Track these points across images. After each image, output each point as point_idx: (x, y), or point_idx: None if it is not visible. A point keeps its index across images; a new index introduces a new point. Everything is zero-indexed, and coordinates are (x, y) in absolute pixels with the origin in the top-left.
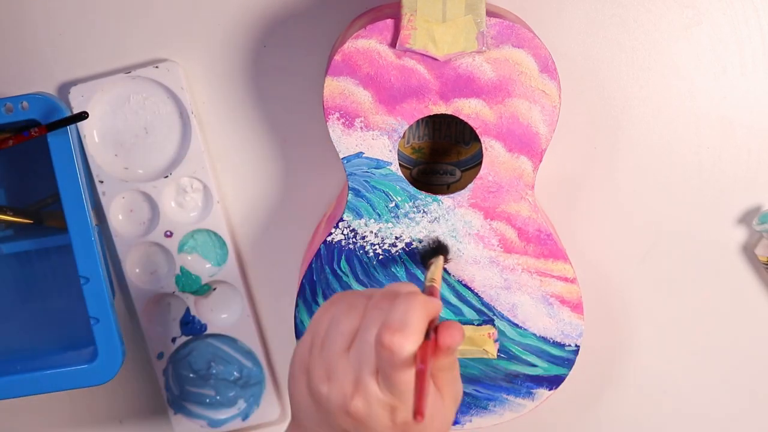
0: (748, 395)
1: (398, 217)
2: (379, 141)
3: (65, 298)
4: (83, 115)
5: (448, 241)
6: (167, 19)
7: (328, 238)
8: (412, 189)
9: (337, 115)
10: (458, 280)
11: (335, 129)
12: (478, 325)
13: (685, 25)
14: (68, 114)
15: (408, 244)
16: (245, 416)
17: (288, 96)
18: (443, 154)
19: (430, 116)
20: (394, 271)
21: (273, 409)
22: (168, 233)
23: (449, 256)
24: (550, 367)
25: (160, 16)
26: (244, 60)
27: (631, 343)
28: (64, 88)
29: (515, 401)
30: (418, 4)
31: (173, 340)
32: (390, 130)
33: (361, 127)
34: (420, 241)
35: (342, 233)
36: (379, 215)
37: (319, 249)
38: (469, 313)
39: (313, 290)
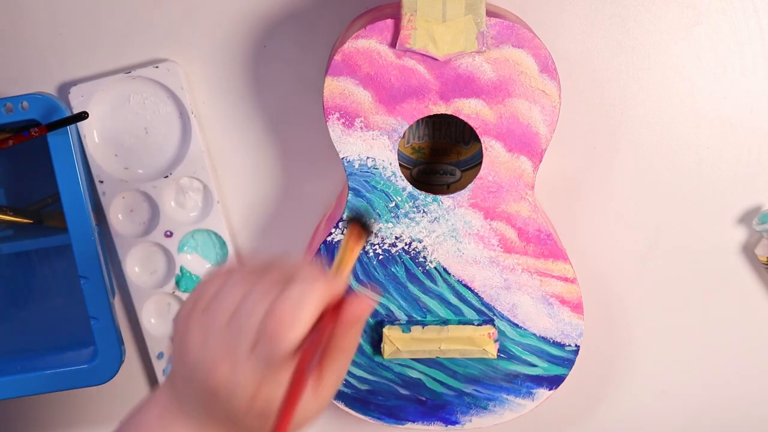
0: (748, 395)
1: (398, 217)
2: (379, 141)
3: (65, 298)
4: (83, 115)
5: (373, 221)
6: (167, 19)
7: (328, 238)
8: (412, 189)
9: (337, 115)
10: (458, 280)
11: (335, 129)
12: (478, 325)
13: (685, 25)
14: (68, 114)
15: (408, 244)
16: None
17: (288, 96)
18: (443, 154)
19: (430, 116)
20: (394, 271)
21: None
22: (168, 233)
23: (368, 236)
24: (550, 367)
25: (160, 16)
26: (244, 60)
27: (631, 343)
28: (64, 88)
29: (515, 401)
30: (418, 4)
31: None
32: (390, 130)
33: (361, 127)
34: (359, 211)
35: (342, 233)
36: (379, 215)
37: (319, 249)
38: (469, 313)
39: None
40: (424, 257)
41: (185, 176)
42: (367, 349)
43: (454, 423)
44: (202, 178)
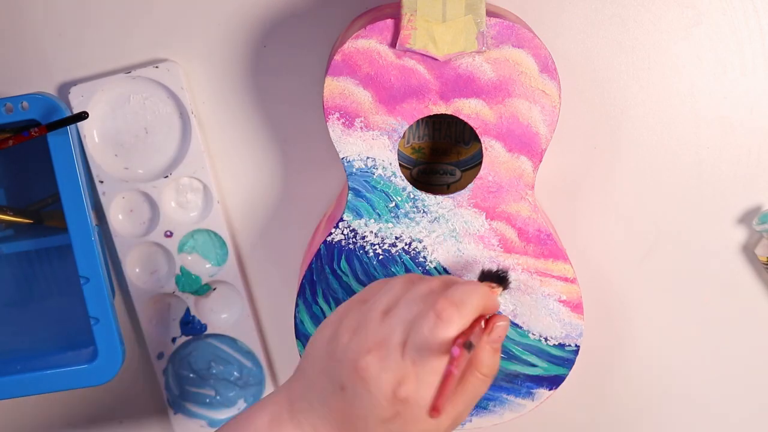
0: (748, 395)
1: (398, 217)
2: (379, 141)
3: (65, 298)
4: (83, 115)
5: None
6: (167, 19)
7: (328, 238)
8: (412, 189)
9: (337, 115)
10: None
11: (335, 129)
12: None
13: (685, 25)
14: (68, 114)
15: (408, 244)
16: None
17: (288, 96)
18: (443, 154)
19: (430, 116)
20: (394, 271)
21: None
22: (168, 233)
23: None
24: (550, 367)
25: (160, 16)
26: (244, 60)
27: (632, 343)
28: (64, 88)
29: (515, 401)
30: (418, 4)
31: (173, 340)
32: (390, 130)
33: (361, 127)
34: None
35: (342, 233)
36: (379, 215)
37: (319, 249)
38: None
39: (313, 290)
40: (424, 257)
41: (185, 176)
42: None
43: None
44: (202, 178)
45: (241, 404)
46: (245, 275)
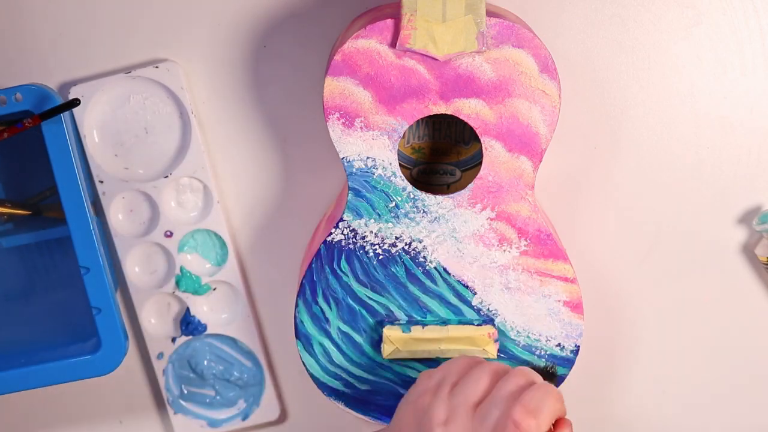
0: (748, 395)
1: (398, 217)
2: (379, 141)
3: (67, 290)
4: (75, 102)
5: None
6: (167, 19)
7: (328, 238)
8: (412, 189)
9: (337, 115)
10: (458, 280)
11: (335, 129)
12: (478, 325)
13: (685, 25)
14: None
15: (408, 244)
16: (245, 416)
17: (288, 96)
18: (443, 154)
19: (430, 116)
20: (394, 271)
21: (273, 409)
22: (168, 233)
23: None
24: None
25: (160, 16)
26: (244, 60)
27: (631, 343)
28: (64, 88)
29: None
30: (418, 4)
31: (173, 340)
32: (390, 130)
33: (361, 127)
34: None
35: (342, 233)
36: (379, 215)
37: (319, 249)
38: (469, 313)
39: (313, 290)
40: (424, 257)
41: (185, 176)
42: (367, 349)
43: None
44: (202, 178)
45: (241, 404)
46: (245, 275)
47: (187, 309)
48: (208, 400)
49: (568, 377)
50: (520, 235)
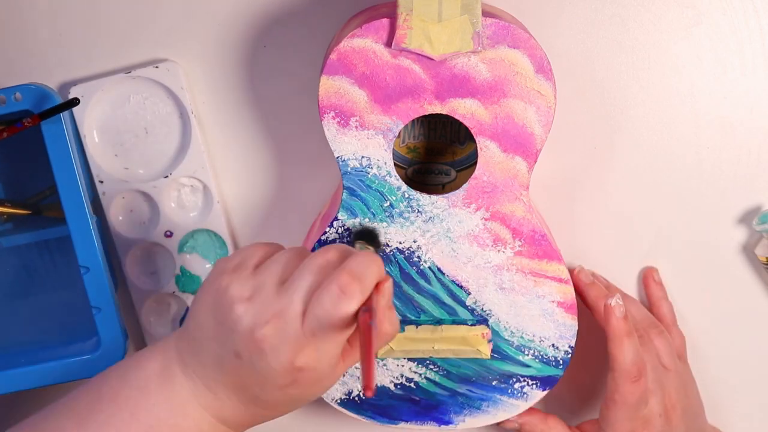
0: (747, 395)
1: (393, 216)
2: (375, 140)
3: (67, 290)
4: (75, 102)
5: (381, 239)
6: (167, 19)
7: (323, 237)
8: (406, 188)
9: (332, 114)
10: (452, 280)
11: (330, 128)
12: (471, 325)
13: (685, 25)
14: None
15: (402, 244)
16: None
17: (288, 96)
18: (438, 154)
19: (425, 116)
20: (388, 270)
21: None
22: (168, 233)
23: (378, 250)
24: (543, 367)
25: (160, 16)
26: (243, 60)
27: None
28: (64, 88)
29: (508, 402)
30: (414, 4)
31: None
32: (385, 130)
33: (357, 127)
34: (365, 229)
35: (336, 232)
36: (373, 215)
37: (314, 248)
38: (463, 313)
39: None
40: (419, 257)
41: (185, 176)
42: None
43: (447, 423)
44: (202, 178)
45: None
46: None
47: (187, 309)
48: None
49: (561, 378)
50: (515, 235)
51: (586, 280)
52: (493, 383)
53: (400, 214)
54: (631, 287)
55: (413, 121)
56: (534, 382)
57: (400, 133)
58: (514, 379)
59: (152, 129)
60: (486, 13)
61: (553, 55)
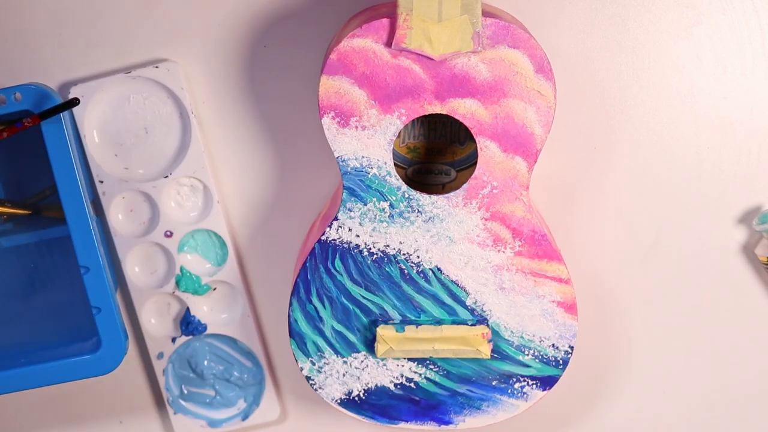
0: (747, 396)
1: (393, 216)
2: (374, 140)
3: (68, 290)
4: (74, 102)
5: None
6: (167, 19)
7: (323, 237)
8: (406, 188)
9: (332, 114)
10: (452, 280)
11: (330, 128)
12: (471, 325)
13: (685, 25)
14: (60, 102)
15: (402, 244)
16: (245, 416)
17: (288, 96)
18: (438, 154)
19: (425, 116)
20: (388, 270)
21: (273, 409)
22: (168, 233)
23: None
24: (543, 367)
25: (160, 16)
26: (243, 60)
27: (629, 343)
28: (64, 88)
29: (508, 402)
30: (414, 4)
31: (173, 340)
32: (385, 130)
33: (357, 127)
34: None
35: (336, 232)
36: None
37: (314, 248)
38: (463, 313)
39: (307, 289)
40: (419, 257)
41: (185, 176)
42: (361, 348)
43: (447, 423)
44: (202, 178)
45: (241, 404)
46: (245, 275)
47: (187, 309)
48: (208, 400)
49: (561, 378)
50: (515, 235)
51: None
52: (493, 383)
53: (400, 214)
54: (629, 287)
55: (413, 121)
56: (534, 382)
57: (400, 133)
58: (514, 379)
59: (152, 129)
60: (486, 13)
61: (553, 55)
